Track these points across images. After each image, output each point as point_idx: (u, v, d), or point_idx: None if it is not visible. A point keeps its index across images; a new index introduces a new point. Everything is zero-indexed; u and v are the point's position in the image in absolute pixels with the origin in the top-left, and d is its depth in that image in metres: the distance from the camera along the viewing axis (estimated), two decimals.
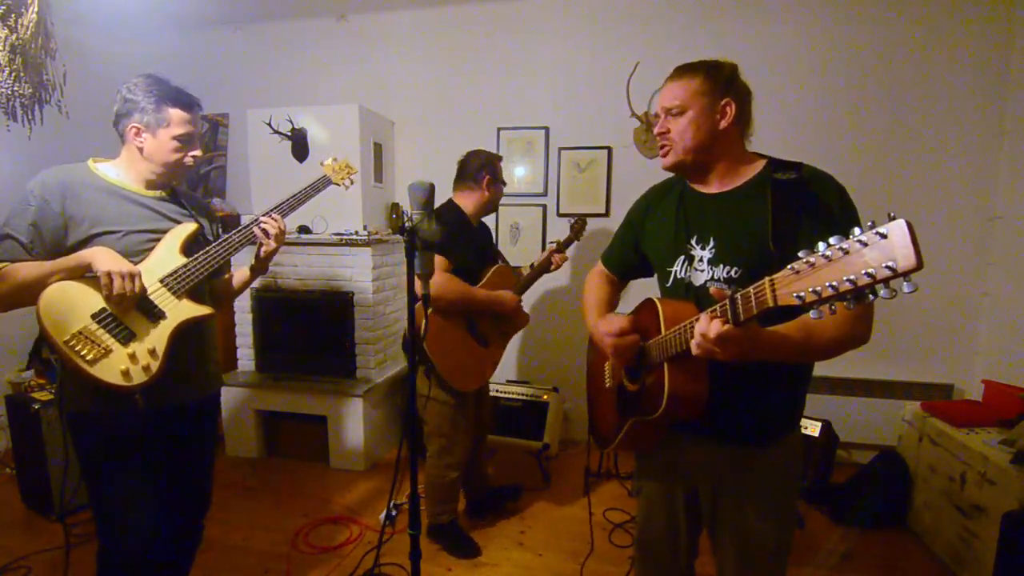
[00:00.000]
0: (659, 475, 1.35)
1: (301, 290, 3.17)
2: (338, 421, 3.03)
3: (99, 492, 1.43)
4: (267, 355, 3.26)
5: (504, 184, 2.31)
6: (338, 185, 1.85)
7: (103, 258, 1.28)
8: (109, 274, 1.26)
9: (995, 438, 2.14)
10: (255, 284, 3.15)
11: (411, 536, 1.37)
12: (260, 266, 1.63)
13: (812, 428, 2.63)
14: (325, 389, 3.04)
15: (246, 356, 3.29)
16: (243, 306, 3.24)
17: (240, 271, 1.70)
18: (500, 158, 2.32)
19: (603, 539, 2.37)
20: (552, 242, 2.34)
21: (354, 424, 3.01)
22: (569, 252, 2.40)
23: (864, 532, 2.44)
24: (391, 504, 2.28)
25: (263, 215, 1.56)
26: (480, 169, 2.20)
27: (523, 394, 3.07)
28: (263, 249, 1.57)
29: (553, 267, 2.37)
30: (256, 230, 1.54)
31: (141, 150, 1.42)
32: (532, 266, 2.39)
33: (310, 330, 3.20)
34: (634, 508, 1.48)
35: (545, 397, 3.03)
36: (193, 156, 1.47)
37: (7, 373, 3.10)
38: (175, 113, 1.41)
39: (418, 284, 1.30)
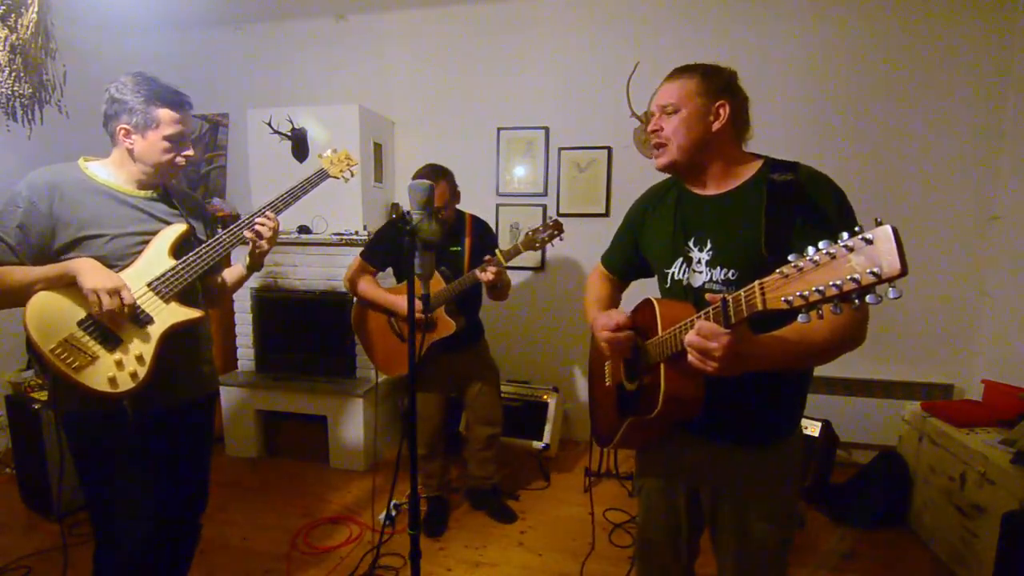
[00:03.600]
0: (660, 475, 1.35)
1: (301, 290, 3.17)
2: (338, 421, 3.03)
3: (93, 492, 1.42)
4: (267, 355, 3.26)
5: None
6: (336, 178, 1.76)
7: (88, 274, 1.26)
8: (96, 292, 1.24)
9: (995, 438, 2.14)
10: (255, 284, 3.21)
11: (411, 536, 1.37)
12: (255, 264, 1.61)
13: (812, 428, 2.62)
14: (325, 389, 3.04)
15: (246, 356, 3.29)
16: (243, 306, 3.23)
17: (234, 268, 1.68)
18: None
19: (603, 539, 2.36)
20: (487, 259, 2.11)
21: (354, 424, 3.01)
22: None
23: (864, 532, 2.44)
24: (391, 504, 2.28)
25: (256, 214, 1.53)
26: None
27: (523, 394, 3.07)
28: (257, 250, 1.55)
29: (488, 281, 2.13)
30: (247, 234, 1.51)
31: (131, 151, 1.39)
32: (459, 281, 2.22)
33: (310, 330, 3.20)
34: (634, 508, 1.48)
35: (545, 397, 3.03)
36: (185, 156, 1.44)
37: (7, 373, 3.10)
38: (164, 113, 1.38)
39: (418, 284, 1.30)
